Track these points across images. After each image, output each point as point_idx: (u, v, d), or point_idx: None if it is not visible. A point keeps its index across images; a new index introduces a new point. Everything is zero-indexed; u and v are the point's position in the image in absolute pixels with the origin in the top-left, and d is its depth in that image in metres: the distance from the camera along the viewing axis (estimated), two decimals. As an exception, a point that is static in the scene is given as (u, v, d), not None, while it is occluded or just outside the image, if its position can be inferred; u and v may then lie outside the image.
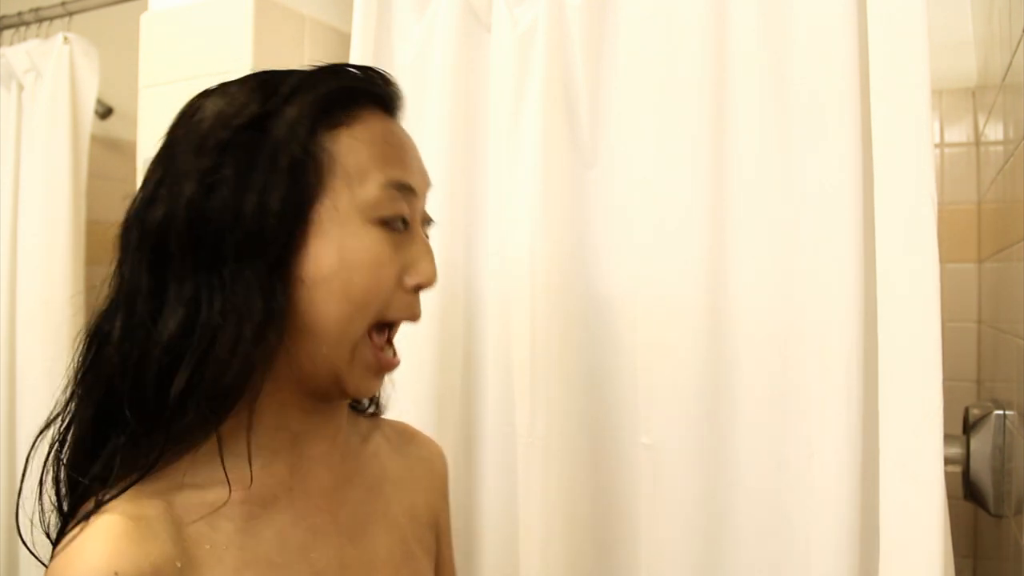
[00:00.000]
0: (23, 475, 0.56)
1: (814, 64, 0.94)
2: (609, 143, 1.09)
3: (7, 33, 1.76)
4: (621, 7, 1.07)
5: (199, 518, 0.51)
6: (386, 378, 0.63)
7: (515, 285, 1.08)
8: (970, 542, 1.41)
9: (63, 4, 1.63)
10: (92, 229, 1.67)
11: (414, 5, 1.21)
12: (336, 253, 0.54)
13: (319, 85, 0.56)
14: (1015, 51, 0.98)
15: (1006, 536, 1.04)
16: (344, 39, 1.26)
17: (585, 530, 1.08)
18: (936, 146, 1.52)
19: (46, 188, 1.61)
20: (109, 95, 1.87)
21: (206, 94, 0.58)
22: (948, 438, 0.88)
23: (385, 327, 0.59)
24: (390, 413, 0.79)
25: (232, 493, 0.53)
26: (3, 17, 1.75)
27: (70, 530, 0.48)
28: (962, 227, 1.47)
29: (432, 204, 0.65)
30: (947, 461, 0.79)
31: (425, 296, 0.61)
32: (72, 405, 0.55)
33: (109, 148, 1.91)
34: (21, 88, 1.68)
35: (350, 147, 0.55)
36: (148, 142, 1.42)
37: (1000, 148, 1.19)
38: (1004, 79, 1.09)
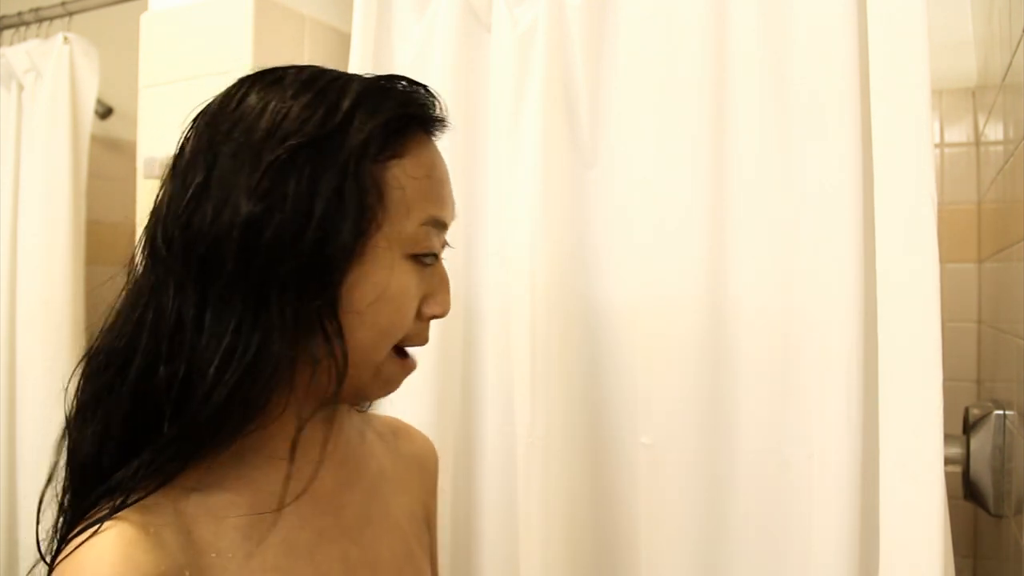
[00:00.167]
0: (48, 479, 0.54)
1: (814, 64, 0.94)
2: (609, 143, 1.09)
3: (7, 33, 1.76)
4: (621, 7, 1.07)
5: (206, 525, 0.51)
6: None
7: (515, 285, 1.09)
8: (970, 542, 1.41)
9: (63, 4, 1.63)
10: (92, 229, 1.67)
11: (414, 5, 1.21)
12: (376, 287, 0.53)
13: (381, 108, 0.54)
14: (1015, 51, 0.98)
15: (1006, 536, 1.04)
16: (344, 39, 1.26)
17: (585, 530, 1.08)
18: (936, 146, 1.52)
19: (46, 188, 1.61)
20: (109, 95, 1.87)
21: (251, 85, 0.55)
22: (948, 438, 0.88)
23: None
24: (390, 412, 0.79)
25: (239, 498, 0.53)
26: (3, 17, 1.75)
27: (77, 535, 0.47)
28: (962, 227, 1.47)
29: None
30: (947, 461, 0.79)
31: None
32: (93, 411, 0.52)
33: (109, 148, 1.91)
34: (21, 88, 1.68)
35: (400, 180, 0.54)
36: (148, 142, 1.42)
37: (1000, 148, 1.19)
38: (1004, 79, 1.09)
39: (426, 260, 0.57)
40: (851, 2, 0.89)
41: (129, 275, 0.56)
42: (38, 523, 0.53)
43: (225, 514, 0.52)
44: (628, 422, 1.06)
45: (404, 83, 0.58)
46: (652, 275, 1.02)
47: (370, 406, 0.72)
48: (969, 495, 1.06)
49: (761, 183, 0.98)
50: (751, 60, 0.98)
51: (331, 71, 0.57)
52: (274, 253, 0.49)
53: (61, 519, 0.53)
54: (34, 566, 0.53)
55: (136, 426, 0.50)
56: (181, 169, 0.54)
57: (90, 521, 0.47)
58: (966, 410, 1.10)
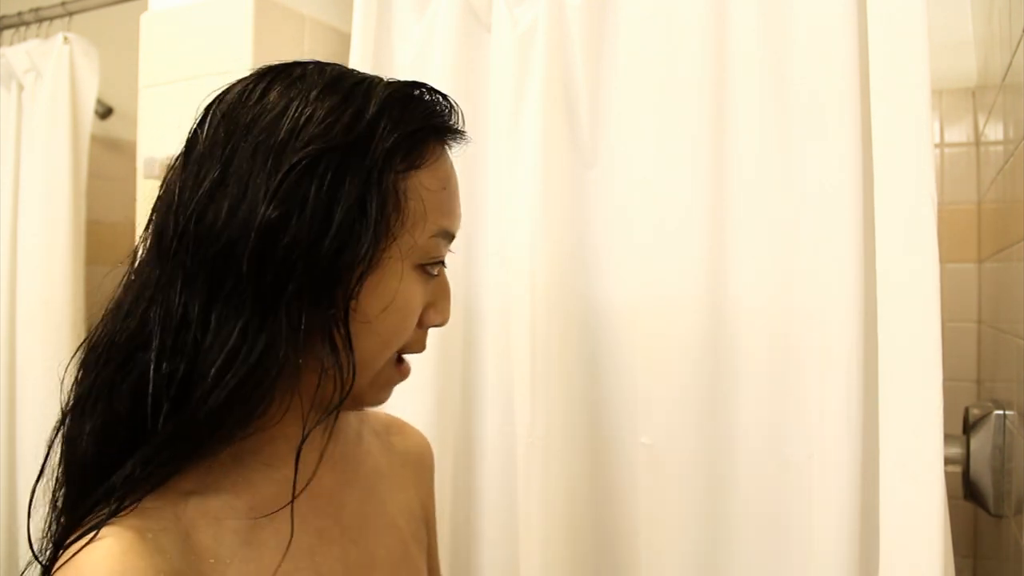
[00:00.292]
0: (40, 474, 0.53)
1: (814, 64, 0.94)
2: (609, 143, 1.09)
3: (7, 33, 1.76)
4: (621, 7, 1.07)
5: (205, 530, 0.50)
6: None
7: (515, 285, 1.09)
8: (970, 542, 1.41)
9: (63, 4, 1.63)
10: (92, 229, 1.67)
11: (414, 5, 1.21)
12: (385, 297, 0.53)
13: (406, 117, 0.53)
14: (1015, 51, 0.98)
15: (1006, 536, 1.04)
16: (344, 39, 1.26)
17: (585, 530, 1.08)
18: (936, 146, 1.52)
19: (46, 188, 1.61)
20: (109, 95, 1.87)
21: (272, 80, 0.54)
22: (948, 438, 0.88)
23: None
24: (390, 411, 0.79)
25: (238, 501, 0.52)
26: (3, 17, 1.75)
27: (74, 542, 0.46)
28: (962, 227, 1.47)
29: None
30: (947, 461, 0.79)
31: None
32: (92, 407, 0.51)
33: (109, 148, 1.91)
34: (21, 88, 1.68)
35: (418, 192, 0.54)
36: (148, 142, 1.42)
37: (1000, 148, 1.19)
38: (1004, 79, 1.09)
39: (432, 270, 0.57)
40: (851, 2, 0.89)
41: (132, 264, 0.54)
42: (29, 518, 0.52)
43: (224, 518, 0.51)
44: (628, 422, 1.06)
45: (427, 92, 0.57)
46: (652, 275, 1.02)
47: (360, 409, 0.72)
48: (969, 495, 1.06)
49: (761, 183, 0.98)
50: (751, 60, 0.98)
51: (354, 72, 0.56)
52: (290, 259, 0.49)
53: (55, 521, 0.52)
54: (27, 566, 0.52)
55: (136, 424, 0.49)
56: (195, 159, 0.52)
57: (87, 527, 0.47)
58: (966, 410, 1.10)
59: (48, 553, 0.51)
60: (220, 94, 0.55)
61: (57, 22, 1.67)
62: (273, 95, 0.52)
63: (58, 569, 0.46)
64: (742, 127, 0.99)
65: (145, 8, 1.46)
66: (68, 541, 0.47)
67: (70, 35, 1.63)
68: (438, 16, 1.17)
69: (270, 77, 0.54)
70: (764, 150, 0.98)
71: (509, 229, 1.10)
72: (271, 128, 0.51)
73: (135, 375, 0.50)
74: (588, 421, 1.09)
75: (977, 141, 1.50)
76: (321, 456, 0.55)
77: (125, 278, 0.54)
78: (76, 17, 1.65)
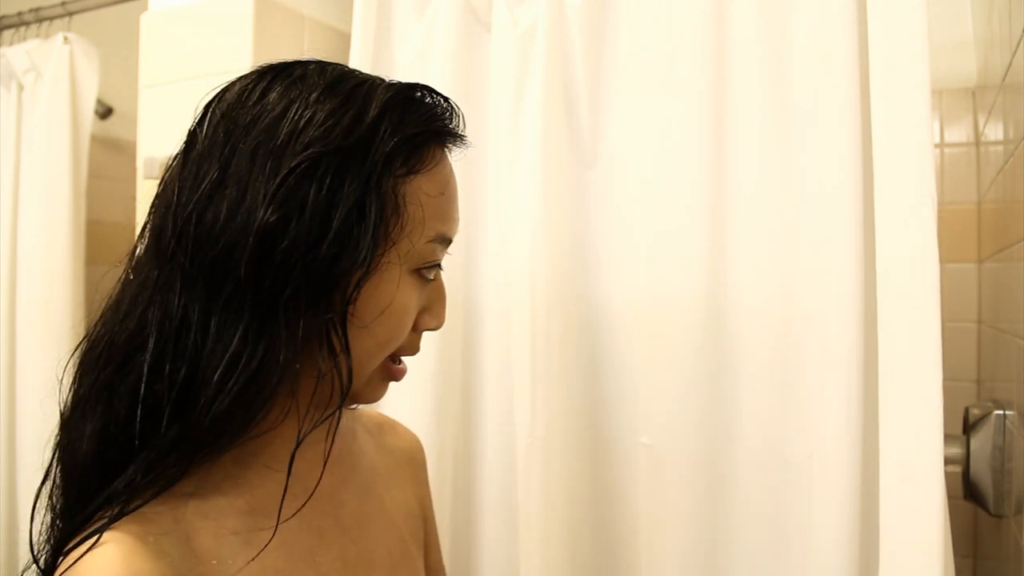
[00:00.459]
0: (45, 477, 0.53)
1: (814, 64, 0.94)
2: (609, 143, 1.09)
3: (7, 33, 1.76)
4: (621, 7, 1.07)
5: (206, 532, 0.50)
6: None
7: (515, 285, 1.08)
8: (970, 542, 1.41)
9: (63, 4, 1.63)
10: (92, 229, 1.67)
11: (414, 5, 1.21)
12: (381, 301, 0.53)
13: (406, 121, 0.53)
14: (1015, 51, 0.98)
15: (1006, 536, 1.04)
16: (344, 39, 1.26)
17: (585, 530, 1.08)
18: (936, 146, 1.52)
19: (46, 188, 1.61)
20: (109, 95, 1.87)
21: (272, 79, 0.53)
22: (948, 438, 0.88)
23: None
24: (390, 413, 0.79)
25: (238, 503, 0.52)
26: (3, 17, 1.75)
27: (75, 547, 0.46)
28: (962, 227, 1.47)
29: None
30: (947, 461, 0.79)
31: None
32: (92, 409, 0.51)
33: (109, 148, 1.91)
34: (21, 88, 1.68)
35: (417, 197, 0.54)
36: (148, 142, 1.42)
37: (1000, 148, 1.19)
38: (1004, 79, 1.09)
39: (429, 275, 0.57)
40: (851, 2, 0.89)
41: (130, 263, 0.54)
42: (32, 521, 0.52)
43: (224, 520, 0.51)
44: (628, 422, 1.06)
45: (428, 94, 0.57)
46: (652, 275, 1.02)
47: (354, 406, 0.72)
48: (969, 495, 1.06)
49: (761, 183, 0.98)
50: (751, 60, 0.98)
51: (355, 73, 0.56)
52: (288, 263, 0.48)
53: (55, 525, 0.52)
54: (26, 569, 0.52)
55: (135, 427, 0.49)
56: (194, 159, 0.52)
57: (88, 532, 0.46)
58: (966, 410, 1.10)
59: (47, 557, 0.51)
60: (220, 93, 0.54)
61: (57, 22, 1.67)
62: (273, 96, 0.52)
63: (59, 573, 0.46)
64: (742, 127, 0.99)
65: (145, 8, 1.46)
66: (69, 547, 0.46)
67: (70, 35, 1.63)
68: (438, 16, 1.17)
69: (270, 77, 0.54)
70: (764, 150, 0.98)
71: (509, 229, 1.10)
72: (271, 130, 0.50)
73: (134, 377, 0.50)
74: (588, 421, 1.09)
75: (977, 141, 1.50)
76: (327, 457, 0.55)
77: (123, 276, 0.54)
78: (76, 17, 1.64)
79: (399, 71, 1.20)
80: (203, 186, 0.50)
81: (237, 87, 0.54)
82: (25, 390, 1.60)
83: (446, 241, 0.58)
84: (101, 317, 0.53)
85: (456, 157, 0.60)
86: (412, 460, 0.74)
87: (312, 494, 0.55)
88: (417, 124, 0.54)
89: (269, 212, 0.48)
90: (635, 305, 1.04)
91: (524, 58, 1.10)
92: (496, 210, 1.14)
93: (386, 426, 0.75)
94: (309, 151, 0.49)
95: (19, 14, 1.72)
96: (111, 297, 0.54)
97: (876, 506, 0.82)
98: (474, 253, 1.16)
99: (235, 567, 0.50)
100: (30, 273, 1.62)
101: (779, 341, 0.97)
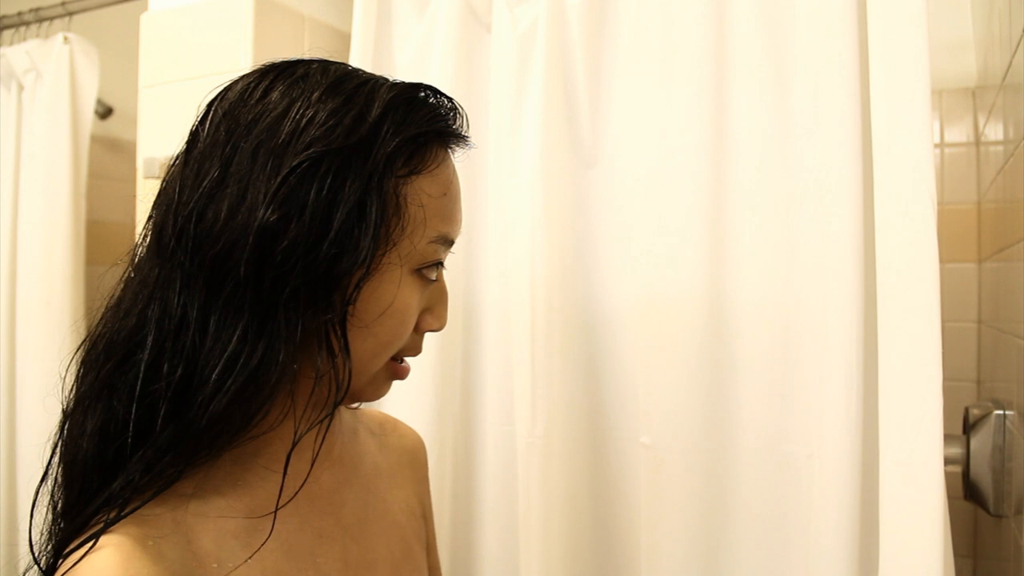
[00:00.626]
0: (44, 475, 0.52)
1: (814, 64, 0.94)
2: (609, 143, 1.09)
3: (7, 33, 1.76)
4: (621, 7, 1.07)
5: (206, 534, 0.50)
6: None
7: (515, 285, 1.09)
8: (970, 542, 1.41)
9: (63, 4, 1.63)
10: (92, 229, 1.67)
11: (414, 5, 1.21)
12: (382, 302, 0.53)
13: (408, 121, 0.53)
14: (1015, 51, 0.98)
15: (1006, 536, 1.04)
16: (344, 39, 1.26)
17: (585, 529, 1.08)
18: (936, 146, 1.52)
19: (46, 188, 1.61)
20: (109, 95, 1.87)
21: (274, 78, 0.53)
22: (948, 438, 0.88)
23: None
24: (390, 412, 0.79)
25: (237, 504, 0.52)
26: (3, 17, 1.75)
27: (77, 548, 0.46)
28: (962, 227, 1.47)
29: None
30: (947, 461, 0.79)
31: None
32: (93, 407, 0.51)
33: (109, 148, 1.91)
34: (21, 88, 1.68)
35: (419, 198, 0.53)
36: (148, 142, 1.42)
37: (1000, 148, 1.19)
38: (1004, 79, 1.09)
39: (431, 275, 0.57)
40: (851, 2, 0.89)
41: (132, 261, 0.54)
42: (31, 520, 0.52)
43: (224, 522, 0.51)
44: (628, 422, 1.06)
45: (432, 94, 0.56)
46: (652, 275, 1.02)
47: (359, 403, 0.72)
48: (969, 495, 1.06)
49: (761, 183, 0.98)
50: (751, 60, 0.98)
51: (358, 72, 0.55)
52: (288, 263, 0.48)
53: (56, 524, 0.52)
54: (28, 569, 0.52)
55: (135, 426, 0.49)
56: (196, 157, 0.51)
57: (87, 536, 0.46)
58: (966, 410, 1.10)
59: (48, 558, 0.51)
60: (222, 91, 0.54)
61: (57, 22, 1.67)
62: (275, 95, 0.52)
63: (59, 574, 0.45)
64: (742, 127, 0.99)
65: (145, 8, 1.46)
66: (68, 550, 0.46)
67: (70, 35, 1.63)
68: (438, 16, 1.17)
69: (273, 75, 0.53)
70: (764, 151, 0.98)
71: (509, 229, 1.10)
72: (272, 129, 0.50)
73: (132, 375, 0.49)
74: (588, 421, 1.09)
75: (977, 141, 1.50)
76: (315, 457, 0.55)
77: (125, 275, 0.54)
78: (76, 17, 1.65)
79: (399, 71, 1.20)
80: (204, 185, 0.50)
81: (239, 86, 0.53)
82: (25, 389, 1.60)
83: (448, 242, 0.57)
84: (103, 315, 0.53)
85: (457, 157, 0.60)
86: (415, 459, 0.74)
87: (301, 491, 0.55)
88: (420, 124, 0.53)
89: (269, 211, 0.48)
90: (635, 305, 1.04)
91: (524, 58, 1.10)
92: (496, 210, 1.14)
93: (388, 425, 0.75)
94: (310, 151, 0.49)
95: (19, 14, 1.72)
96: (113, 295, 0.54)
97: (876, 506, 0.82)
98: (474, 253, 1.16)
99: (235, 569, 0.50)
100: (30, 273, 1.62)
101: (779, 341, 0.97)
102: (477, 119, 1.15)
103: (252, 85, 0.53)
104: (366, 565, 0.60)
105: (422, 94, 0.55)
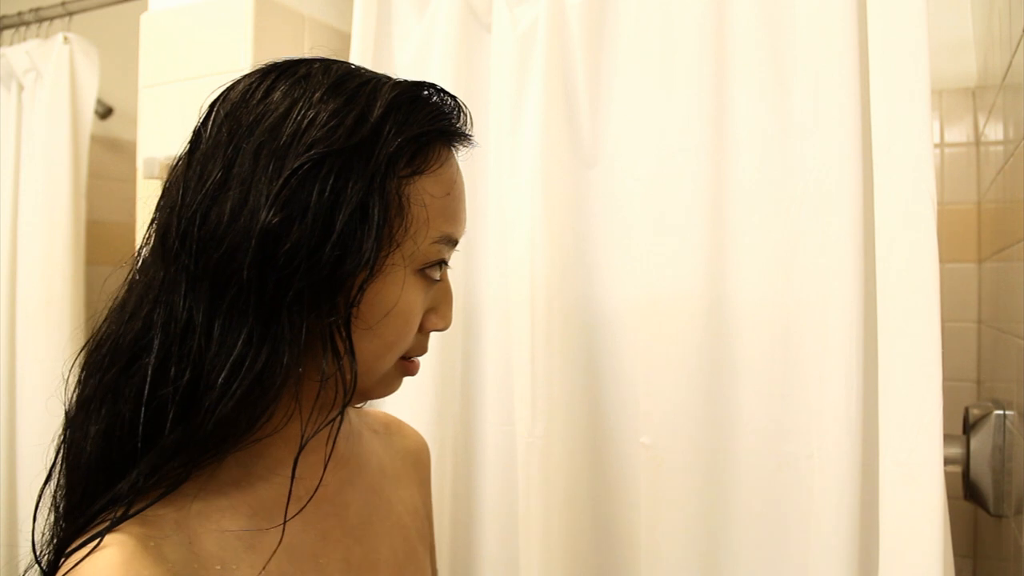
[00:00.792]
0: (48, 478, 0.52)
1: (814, 64, 0.94)
2: (609, 143, 1.09)
3: (7, 33, 1.76)
4: (621, 7, 1.08)
5: (209, 536, 0.50)
6: None
7: (515, 285, 1.09)
8: (970, 542, 1.41)
9: (63, 4, 1.63)
10: (92, 229, 1.67)
11: (414, 5, 1.21)
12: (387, 303, 0.52)
13: (411, 120, 0.52)
14: (1015, 51, 0.98)
15: (1006, 536, 1.04)
16: (344, 39, 1.26)
17: (585, 529, 1.08)
18: (936, 146, 1.52)
19: (46, 188, 1.61)
20: (109, 95, 1.87)
21: (276, 78, 0.52)
22: (948, 438, 0.88)
23: None
24: (391, 412, 0.79)
25: (241, 505, 0.52)
26: (3, 17, 1.75)
27: (79, 548, 0.46)
28: (962, 227, 1.47)
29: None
30: (947, 461, 0.79)
31: None
32: (97, 410, 0.50)
33: (109, 148, 1.91)
34: (21, 88, 1.69)
35: (422, 198, 0.53)
36: (148, 142, 1.42)
37: (1000, 148, 1.19)
38: (1004, 79, 1.09)
39: (435, 275, 0.56)
40: (851, 2, 0.89)
41: (135, 263, 0.54)
42: (35, 521, 0.52)
43: (227, 523, 0.51)
44: (628, 422, 1.06)
45: (435, 93, 0.56)
46: (652, 275, 1.02)
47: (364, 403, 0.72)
48: (969, 495, 1.06)
49: (761, 183, 0.98)
50: (751, 60, 0.98)
51: (360, 71, 0.55)
52: (291, 266, 0.48)
53: (58, 525, 0.52)
54: (28, 568, 0.52)
55: (140, 429, 0.49)
56: (198, 159, 0.51)
57: (90, 535, 0.46)
58: (966, 410, 1.10)
59: (50, 557, 0.51)
60: (224, 91, 0.54)
61: (57, 22, 1.67)
62: (277, 95, 0.51)
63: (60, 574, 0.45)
64: (742, 127, 0.99)
65: (145, 8, 1.46)
66: (70, 549, 0.46)
67: (70, 35, 1.63)
68: (438, 16, 1.17)
69: (275, 75, 0.53)
70: (764, 151, 0.98)
71: (509, 229, 1.10)
72: (274, 130, 0.50)
73: (138, 379, 0.49)
74: (588, 421, 1.09)
75: (977, 141, 1.50)
76: (327, 460, 0.55)
77: (129, 277, 0.54)
78: (76, 17, 1.65)
79: (399, 71, 1.20)
80: (207, 187, 0.50)
81: (241, 86, 0.53)
82: (25, 390, 1.60)
83: (452, 242, 0.57)
84: (107, 317, 0.53)
85: (460, 156, 0.59)
86: (418, 461, 0.74)
87: (313, 495, 0.55)
88: (422, 124, 0.53)
89: (271, 214, 0.48)
90: (635, 305, 1.04)
91: (524, 58, 1.10)
92: (496, 210, 1.14)
93: (392, 426, 0.75)
94: (312, 152, 0.49)
95: (19, 14, 1.72)
96: (117, 297, 0.54)
97: (876, 506, 0.82)
98: (474, 253, 1.16)
99: (240, 571, 0.50)
100: (30, 273, 1.62)
101: (779, 341, 0.97)
102: (477, 119, 1.13)
103: (254, 85, 0.53)
104: (369, 565, 0.60)
105: (425, 92, 0.55)
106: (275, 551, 0.52)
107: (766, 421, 0.97)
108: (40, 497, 0.52)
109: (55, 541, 0.51)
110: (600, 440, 1.09)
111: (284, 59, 0.55)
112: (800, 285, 0.95)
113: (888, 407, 0.80)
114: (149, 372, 0.49)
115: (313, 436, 0.52)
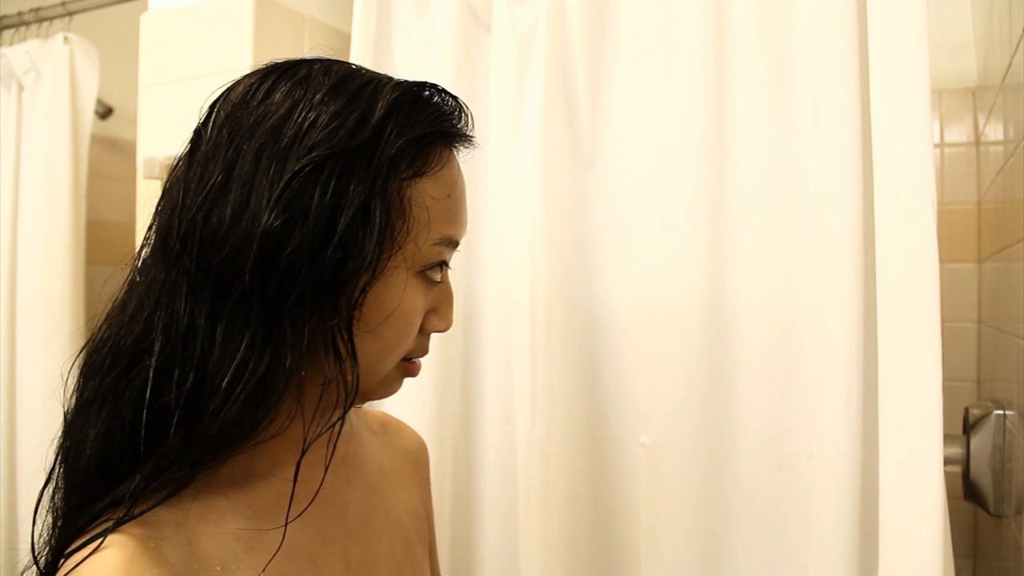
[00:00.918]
0: (47, 479, 0.52)
1: (814, 64, 0.94)
2: (609, 143, 1.09)
3: (7, 33, 1.76)
4: (621, 7, 1.08)
5: (209, 537, 0.50)
6: None
7: (515, 285, 1.09)
8: (970, 542, 1.41)
9: (63, 4, 1.63)
10: (92, 229, 1.67)
11: (414, 5, 1.21)
12: (388, 305, 0.52)
13: (412, 122, 0.52)
14: (1015, 51, 0.98)
15: (1006, 536, 1.04)
16: (344, 39, 1.26)
17: (585, 529, 1.08)
18: (936, 146, 1.52)
19: (46, 188, 1.61)
20: (109, 95, 1.87)
21: (277, 79, 0.52)
22: (948, 438, 0.88)
23: None
24: (391, 412, 0.79)
25: (241, 507, 0.52)
26: (3, 17, 1.75)
27: (79, 549, 0.46)
28: (962, 227, 1.47)
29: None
30: (947, 461, 0.79)
31: None
32: (96, 413, 0.50)
33: (109, 148, 1.91)
34: (21, 88, 1.68)
35: (423, 200, 0.53)
36: (148, 142, 1.42)
37: (1000, 148, 1.19)
38: (1004, 79, 1.09)
39: (435, 277, 0.56)
40: (851, 2, 0.89)
41: (135, 265, 0.54)
42: (34, 523, 0.51)
43: (227, 524, 0.51)
44: (628, 422, 1.06)
45: (436, 93, 0.56)
46: (652, 275, 1.02)
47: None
48: (969, 495, 1.06)
49: (761, 183, 0.98)
50: (751, 60, 0.98)
51: (361, 72, 0.54)
52: (292, 269, 0.48)
53: (57, 526, 0.52)
54: (26, 568, 0.52)
55: (141, 432, 0.49)
56: (199, 160, 0.51)
57: (90, 536, 0.46)
58: (966, 410, 1.10)
59: (48, 558, 0.50)
60: (224, 92, 0.54)
61: (57, 22, 1.67)
62: (278, 96, 0.51)
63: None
64: (742, 127, 0.99)
65: (145, 8, 1.46)
66: (70, 549, 0.46)
67: (70, 35, 1.63)
68: (438, 16, 1.17)
69: (275, 76, 0.53)
70: (764, 150, 0.98)
71: (509, 229, 1.10)
72: (275, 132, 0.49)
73: (140, 382, 0.49)
74: (588, 421, 1.09)
75: (977, 141, 1.50)
76: (328, 463, 0.55)
77: (129, 278, 0.54)
78: (76, 17, 1.65)
79: (399, 71, 1.20)
80: (208, 188, 0.49)
81: (242, 86, 0.53)
82: (25, 390, 1.60)
83: (453, 243, 0.57)
84: (106, 319, 0.53)
85: (459, 157, 0.59)
86: (417, 461, 0.74)
87: (314, 498, 0.55)
88: (423, 125, 0.53)
89: (273, 217, 0.47)
90: (635, 305, 1.04)
91: (524, 58, 1.10)
92: (496, 210, 1.14)
93: (391, 426, 0.75)
94: (313, 154, 0.48)
95: (19, 14, 1.72)
96: (117, 298, 0.53)
97: (876, 506, 0.82)
98: (474, 253, 1.16)
99: (238, 571, 0.50)
100: (30, 273, 1.62)
101: (779, 341, 0.97)
102: (477, 119, 1.13)
103: (254, 86, 0.52)
104: (367, 566, 0.60)
105: (426, 93, 0.55)
106: (272, 549, 0.52)
107: (766, 421, 0.97)
108: (40, 499, 0.52)
109: (54, 542, 0.51)
110: (600, 440, 1.09)
111: (284, 59, 0.55)
112: (800, 285, 0.95)
113: (888, 407, 0.80)
114: (150, 375, 0.48)
115: (316, 439, 0.52)
